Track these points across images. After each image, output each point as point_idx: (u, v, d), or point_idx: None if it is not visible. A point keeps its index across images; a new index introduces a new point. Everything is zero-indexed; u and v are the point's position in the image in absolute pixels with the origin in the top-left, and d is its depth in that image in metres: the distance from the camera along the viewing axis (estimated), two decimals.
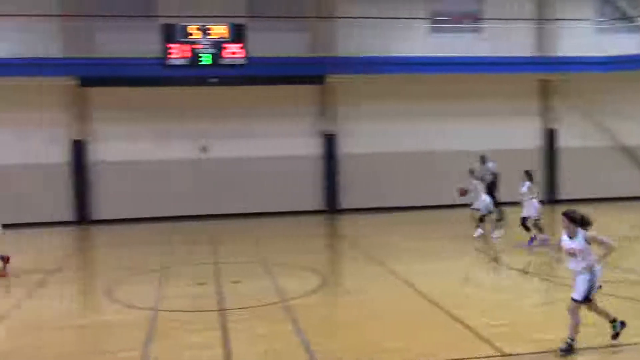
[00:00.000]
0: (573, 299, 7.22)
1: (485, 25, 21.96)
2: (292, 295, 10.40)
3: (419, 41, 21.38)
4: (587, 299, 7.21)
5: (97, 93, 20.29)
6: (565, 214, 7.35)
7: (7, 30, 18.65)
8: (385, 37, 20.59)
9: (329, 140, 21.64)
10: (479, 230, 15.71)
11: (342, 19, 20.78)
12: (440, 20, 21.98)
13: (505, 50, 21.06)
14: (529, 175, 14.89)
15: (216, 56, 18.77)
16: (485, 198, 15.91)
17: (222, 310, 9.63)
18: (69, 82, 19.60)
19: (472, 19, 22.25)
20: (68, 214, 20.31)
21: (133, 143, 20.52)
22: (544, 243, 14.16)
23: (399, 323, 8.83)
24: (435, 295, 10.06)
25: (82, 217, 20.40)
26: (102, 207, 20.62)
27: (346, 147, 21.69)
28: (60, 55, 19.16)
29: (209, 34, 18.73)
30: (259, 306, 9.86)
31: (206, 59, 18.77)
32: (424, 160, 21.67)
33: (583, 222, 7.20)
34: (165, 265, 13.36)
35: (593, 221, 7.28)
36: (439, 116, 21.81)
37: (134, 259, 14.47)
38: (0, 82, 18.84)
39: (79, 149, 20.29)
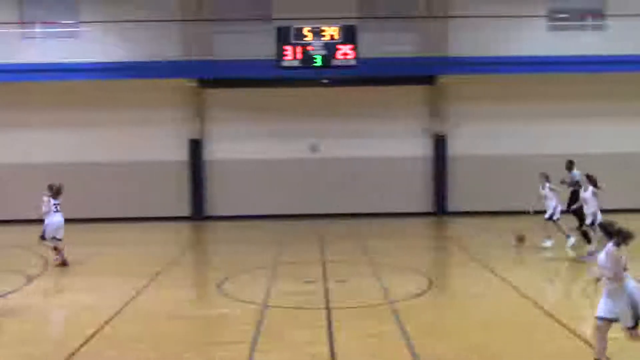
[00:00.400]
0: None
1: (608, 22, 20.78)
2: (398, 297, 10.35)
3: (536, 40, 20.59)
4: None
5: (213, 94, 21.14)
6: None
7: (132, 34, 19.86)
8: (500, 36, 19.98)
9: (439, 142, 21.33)
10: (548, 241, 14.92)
11: (454, 18, 20.42)
12: (559, 18, 21.05)
13: (630, 48, 19.83)
14: (592, 181, 13.77)
15: (328, 57, 19.00)
16: (553, 205, 14.95)
17: (328, 309, 9.75)
18: (188, 83, 20.54)
19: (594, 16, 21.13)
20: (185, 210, 21.27)
21: (246, 142, 21.19)
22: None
23: (509, 331, 8.58)
24: (548, 304, 9.67)
25: (197, 213, 21.31)
26: (215, 204, 21.45)
27: (456, 148, 21.29)
28: (181, 58, 20.12)
29: (321, 36, 19.00)
30: (364, 306, 9.90)
31: (318, 60, 19.05)
32: (536, 163, 20.78)
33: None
34: (275, 262, 13.71)
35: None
36: (555, 118, 20.91)
37: (245, 255, 14.93)
38: (125, 83, 20.08)
39: (195, 147, 21.21)
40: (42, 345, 8.27)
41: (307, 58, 19.01)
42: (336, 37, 19.02)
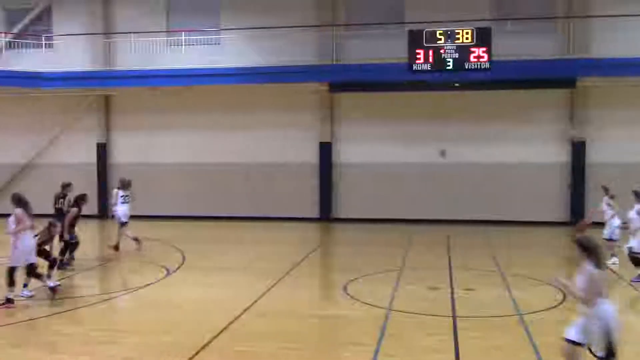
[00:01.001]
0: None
1: None
2: (528, 309, 9.95)
3: None
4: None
5: (344, 97, 21.43)
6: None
7: (269, 40, 20.59)
8: None
9: (578, 148, 20.24)
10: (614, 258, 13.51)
11: (597, 18, 19.30)
12: None
13: None
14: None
15: (460, 60, 18.63)
16: (613, 222, 13.78)
17: (454, 317, 9.58)
18: (320, 87, 20.97)
19: None
20: (314, 211, 21.72)
21: (375, 145, 21.29)
22: None
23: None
24: None
25: (326, 214, 21.67)
26: (344, 206, 21.71)
27: (595, 155, 20.09)
28: (314, 63, 20.58)
29: (454, 39, 18.66)
30: (492, 317, 9.62)
31: (450, 64, 18.73)
32: None
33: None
34: (401, 266, 13.65)
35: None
36: None
37: (371, 258, 14.99)
38: (261, 87, 20.84)
39: (326, 150, 21.60)
40: (176, 336, 8.78)
41: (439, 61, 18.74)
42: (469, 39, 18.59)
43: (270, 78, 20.34)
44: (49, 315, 10.02)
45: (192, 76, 20.49)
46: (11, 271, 10.39)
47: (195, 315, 9.94)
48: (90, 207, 20.25)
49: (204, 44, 21.51)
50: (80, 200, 13.87)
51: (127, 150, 22.68)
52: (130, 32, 21.30)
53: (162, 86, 20.98)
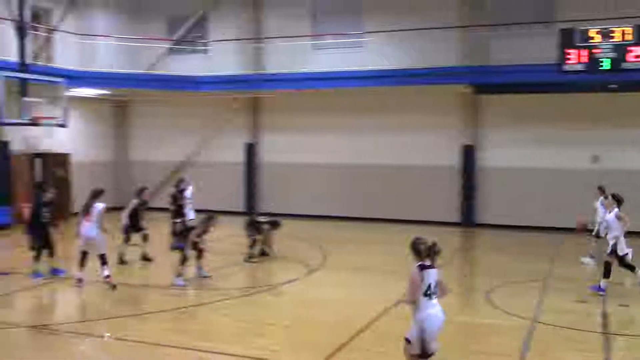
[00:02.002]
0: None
1: None
2: None
3: None
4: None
5: (488, 99, 20.84)
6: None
7: (411, 42, 20.55)
8: None
9: None
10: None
11: None
12: None
13: None
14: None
15: (617, 60, 17.48)
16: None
17: (606, 334, 9.05)
18: (464, 89, 20.57)
19: None
20: (455, 216, 21.34)
21: (519, 149, 20.53)
22: None
23: None
24: None
25: (467, 219, 21.22)
26: (486, 211, 21.15)
27: None
28: (457, 64, 20.24)
29: (610, 38, 17.56)
30: None
31: (606, 64, 17.64)
32: None
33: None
34: (546, 275, 13.09)
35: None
36: None
37: (514, 265, 14.52)
38: (403, 89, 20.78)
39: (468, 153, 21.15)
40: (317, 332, 9.06)
41: (593, 61, 17.70)
42: (629, 38, 17.40)
43: (413, 80, 20.25)
44: (197, 305, 10.72)
45: (336, 79, 20.89)
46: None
47: (335, 313, 10.18)
48: (236, 203, 21.37)
49: (347, 47, 21.89)
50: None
51: (273, 150, 23.58)
52: (277, 37, 22.17)
53: (307, 89, 21.60)
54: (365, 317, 9.66)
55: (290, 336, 8.91)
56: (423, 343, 6.33)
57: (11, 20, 16.51)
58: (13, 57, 17.56)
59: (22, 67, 16.35)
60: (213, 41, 23.57)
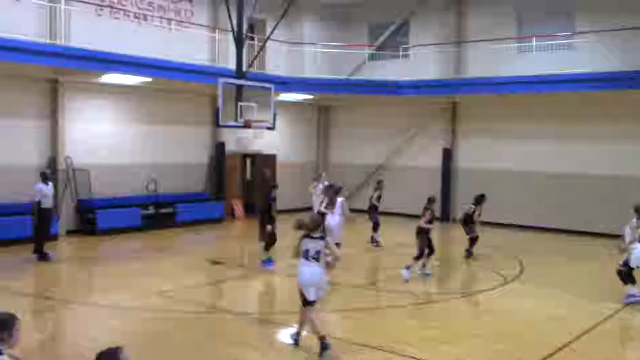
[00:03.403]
0: None
1: None
2: None
3: None
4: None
5: None
6: None
7: (629, 43, 18.93)
8: None
9: None
10: None
11: None
12: None
13: None
14: None
15: None
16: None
17: None
18: None
19: None
20: None
21: None
22: None
23: None
24: None
25: None
26: None
27: None
28: None
29: None
30: None
31: None
32: None
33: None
34: None
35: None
36: None
37: None
38: (613, 94, 19.16)
39: None
40: (508, 345, 8.73)
41: None
42: None
43: (629, 84, 18.57)
44: (388, 307, 10.89)
45: (541, 82, 19.88)
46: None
47: (528, 327, 9.76)
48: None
49: (554, 49, 20.75)
50: (479, 200, 15.83)
51: (470, 156, 23.14)
52: (480, 40, 21.69)
53: (508, 93, 20.83)
54: (561, 335, 9.13)
55: (481, 347, 8.72)
56: (300, 290, 8.26)
57: (231, 31, 18.02)
58: (231, 65, 19.20)
59: (239, 74, 17.75)
60: (413, 46, 23.74)
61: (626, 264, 11.22)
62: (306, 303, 8.22)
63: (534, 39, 20.79)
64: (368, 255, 16.34)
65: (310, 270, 8.16)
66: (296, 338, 8.49)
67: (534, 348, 8.55)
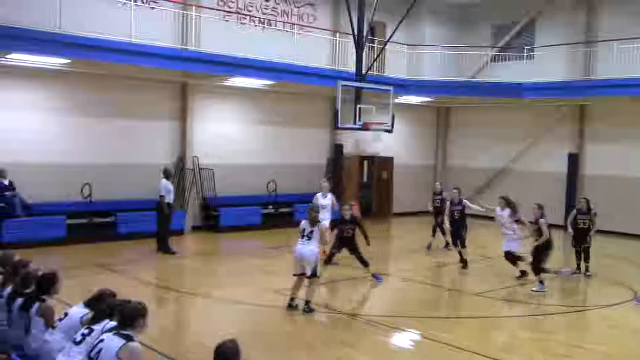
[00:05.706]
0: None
1: None
2: None
3: None
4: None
5: None
6: None
7: None
8: None
9: None
10: None
11: None
12: None
13: None
14: None
15: None
16: None
17: None
18: None
19: None
20: None
21: None
22: None
23: None
24: None
25: None
26: None
27: None
28: None
29: None
30: None
31: None
32: None
33: None
34: None
35: None
36: None
37: None
38: None
39: None
40: None
41: None
42: None
43: None
44: (507, 317, 10.57)
45: None
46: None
47: None
48: (556, 216, 20.25)
49: None
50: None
51: (600, 162, 21.88)
52: (613, 40, 20.43)
53: None
54: None
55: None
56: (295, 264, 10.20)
57: (352, 34, 18.16)
58: (351, 68, 19.36)
59: (359, 77, 17.84)
60: (539, 46, 22.80)
61: None
62: (295, 274, 10.24)
63: None
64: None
65: (304, 249, 10.04)
66: (290, 303, 10.27)
67: None
